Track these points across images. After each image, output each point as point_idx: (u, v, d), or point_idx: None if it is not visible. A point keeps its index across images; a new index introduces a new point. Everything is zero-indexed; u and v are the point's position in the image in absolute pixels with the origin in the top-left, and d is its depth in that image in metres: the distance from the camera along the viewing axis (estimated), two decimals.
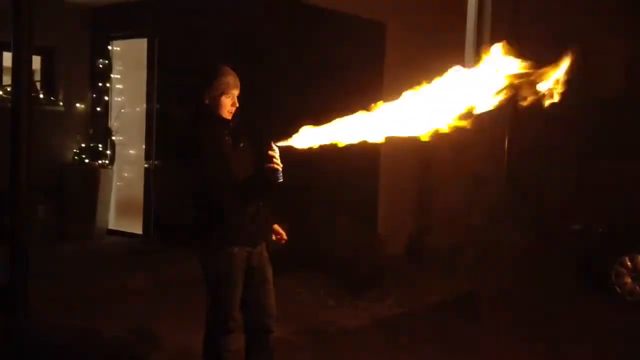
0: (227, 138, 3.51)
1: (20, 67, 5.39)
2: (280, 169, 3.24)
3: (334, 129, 3.13)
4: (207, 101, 3.52)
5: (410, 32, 7.43)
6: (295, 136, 3.20)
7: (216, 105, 3.51)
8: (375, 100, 3.08)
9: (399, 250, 7.90)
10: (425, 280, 7.09)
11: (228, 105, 3.53)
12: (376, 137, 3.10)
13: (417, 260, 7.83)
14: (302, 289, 6.43)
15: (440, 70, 2.94)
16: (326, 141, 3.15)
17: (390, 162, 7.55)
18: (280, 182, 3.26)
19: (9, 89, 6.49)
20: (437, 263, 7.60)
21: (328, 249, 6.78)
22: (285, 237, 3.80)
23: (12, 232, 5.46)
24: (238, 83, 3.57)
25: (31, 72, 5.52)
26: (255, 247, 3.58)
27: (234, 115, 3.58)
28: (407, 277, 7.12)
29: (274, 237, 3.78)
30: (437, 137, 3.03)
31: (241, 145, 3.56)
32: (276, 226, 3.80)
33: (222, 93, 3.50)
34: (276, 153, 3.24)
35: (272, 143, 3.26)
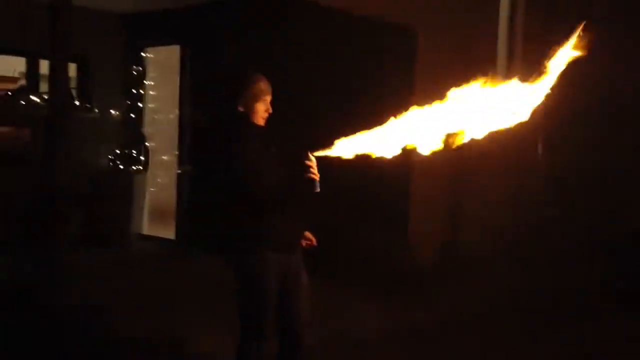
0: (259, 144, 3.54)
1: (57, 75, 5.51)
2: (317, 179, 3.29)
3: (368, 140, 3.16)
4: (241, 108, 3.55)
5: (442, 39, 7.37)
6: (332, 147, 3.25)
7: (250, 111, 3.55)
8: (406, 108, 3.09)
9: (432, 257, 7.83)
10: (458, 287, 7.01)
11: (262, 112, 3.56)
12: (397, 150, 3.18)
13: (450, 267, 7.75)
14: (333, 294, 6.41)
15: (469, 78, 2.93)
16: (361, 152, 3.20)
17: (423, 165, 7.46)
18: (317, 192, 3.30)
19: (45, 97, 6.64)
20: (470, 271, 7.51)
21: (359, 254, 6.77)
22: (315, 243, 3.80)
23: (47, 235, 5.58)
24: (270, 89, 3.61)
25: (67, 80, 5.62)
26: (292, 253, 3.60)
27: (267, 121, 3.61)
28: (440, 285, 7.06)
29: (303, 243, 3.78)
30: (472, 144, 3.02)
31: (273, 151, 3.58)
32: (307, 232, 3.80)
33: (256, 99, 3.54)
34: (313, 163, 3.28)
35: (309, 153, 3.30)
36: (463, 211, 7.95)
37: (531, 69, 2.85)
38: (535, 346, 5.37)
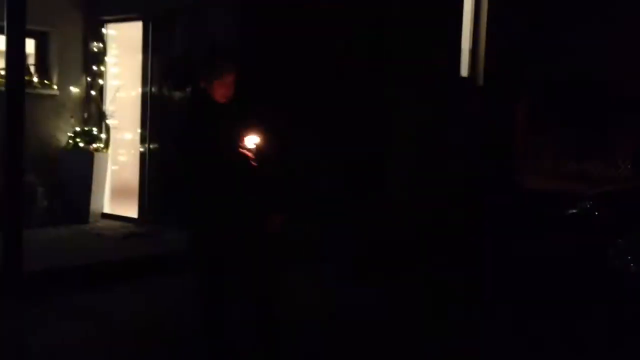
0: (213, 119, 3.56)
1: (12, 50, 5.40)
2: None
3: None
4: (202, 85, 3.56)
5: None
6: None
7: (211, 89, 3.55)
8: None
9: None
10: None
11: (222, 89, 3.56)
12: None
13: None
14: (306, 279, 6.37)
15: None
16: None
17: None
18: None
19: (2, 73, 6.49)
20: None
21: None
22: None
23: (6, 215, 5.50)
24: (233, 67, 3.60)
25: (24, 56, 5.51)
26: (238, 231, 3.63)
27: (231, 100, 3.62)
28: None
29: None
30: None
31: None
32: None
33: (217, 77, 3.54)
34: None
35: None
36: None
37: None
38: None
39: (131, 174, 8.30)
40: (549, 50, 13.66)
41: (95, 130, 8.29)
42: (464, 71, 9.61)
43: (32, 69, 8.06)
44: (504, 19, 9.70)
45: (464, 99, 9.04)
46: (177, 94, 7.57)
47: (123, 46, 8.47)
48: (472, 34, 9.66)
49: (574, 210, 7.23)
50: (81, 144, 8.16)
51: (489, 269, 7.03)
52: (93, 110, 8.42)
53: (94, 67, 8.38)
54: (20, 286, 5.42)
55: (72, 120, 8.31)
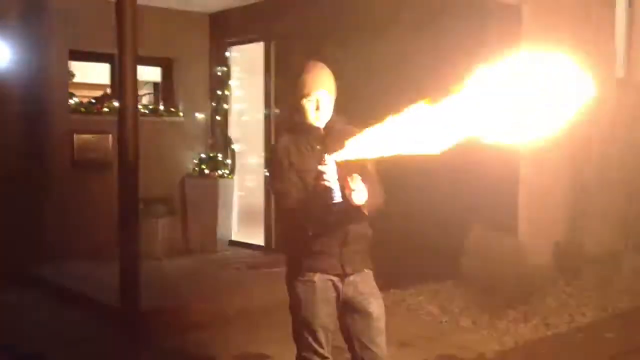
0: (312, 148, 2.96)
1: (124, 77, 5.18)
2: (335, 187, 2.68)
3: (388, 135, 2.48)
4: (295, 106, 3.02)
5: (549, 18, 6.52)
6: (348, 145, 2.61)
7: (300, 110, 2.98)
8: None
9: (546, 261, 6.94)
10: (577, 295, 6.12)
11: (311, 110, 2.96)
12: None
13: (567, 271, 6.84)
14: (432, 306, 5.74)
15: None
16: (385, 152, 2.52)
17: (533, 159, 6.63)
18: (337, 202, 2.69)
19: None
20: (591, 274, 6.58)
21: (461, 261, 6.03)
22: None
23: (121, 247, 5.26)
24: (320, 81, 2.96)
25: (135, 82, 5.26)
26: (344, 276, 2.99)
27: (330, 121, 3.01)
28: (556, 292, 6.19)
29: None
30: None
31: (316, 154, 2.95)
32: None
33: (302, 96, 2.96)
34: (328, 168, 2.66)
35: (326, 156, 2.68)
36: (583, 208, 6.98)
37: None
38: None
39: (258, 199, 7.99)
40: None
41: (220, 156, 8.06)
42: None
43: (158, 96, 8.00)
44: None
45: None
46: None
47: (246, 68, 8.23)
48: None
49: None
50: (206, 171, 7.96)
51: None
52: (218, 136, 8.21)
53: (219, 92, 8.19)
54: (137, 325, 5.14)
55: (198, 147, 8.14)
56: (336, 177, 2.68)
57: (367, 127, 2.59)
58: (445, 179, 5.98)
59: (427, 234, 6.03)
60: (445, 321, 5.42)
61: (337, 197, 2.68)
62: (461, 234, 6.04)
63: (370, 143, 2.55)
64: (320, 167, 2.68)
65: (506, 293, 5.77)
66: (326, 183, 2.66)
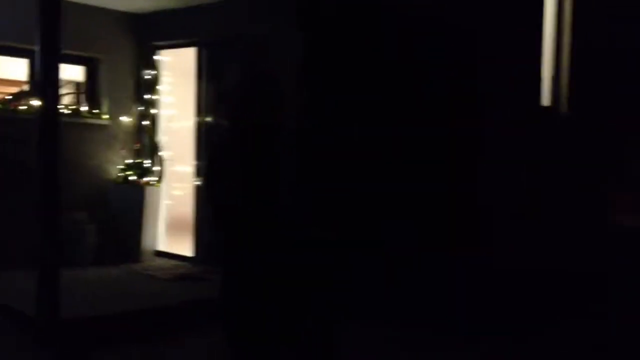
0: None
1: (47, 76, 4.87)
2: None
3: None
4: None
5: None
6: None
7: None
8: None
9: None
10: None
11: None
12: None
13: None
14: None
15: None
16: None
17: None
18: None
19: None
20: None
21: None
22: None
23: (41, 256, 4.93)
24: (267, 91, 3.13)
25: (57, 81, 4.97)
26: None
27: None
28: None
29: None
30: None
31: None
32: None
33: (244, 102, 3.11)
34: None
35: None
36: None
37: None
38: None
39: (186, 209, 7.73)
40: None
41: (147, 163, 7.76)
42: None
43: (80, 97, 7.64)
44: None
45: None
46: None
47: (177, 74, 7.98)
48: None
49: None
50: (132, 177, 7.64)
51: None
52: (145, 141, 7.91)
53: (147, 96, 7.90)
54: (58, 336, 4.82)
55: (123, 152, 7.81)
56: None
57: None
58: None
59: None
60: None
61: None
62: None
63: None
64: None
65: None
66: None
